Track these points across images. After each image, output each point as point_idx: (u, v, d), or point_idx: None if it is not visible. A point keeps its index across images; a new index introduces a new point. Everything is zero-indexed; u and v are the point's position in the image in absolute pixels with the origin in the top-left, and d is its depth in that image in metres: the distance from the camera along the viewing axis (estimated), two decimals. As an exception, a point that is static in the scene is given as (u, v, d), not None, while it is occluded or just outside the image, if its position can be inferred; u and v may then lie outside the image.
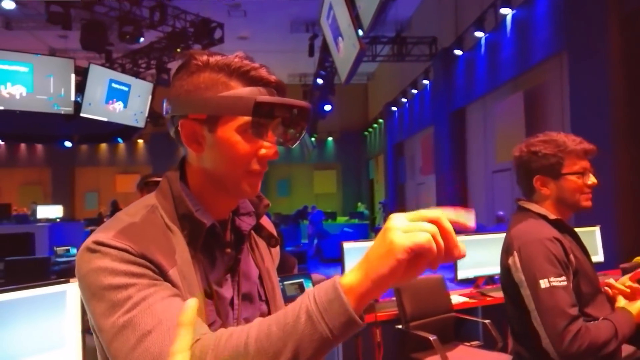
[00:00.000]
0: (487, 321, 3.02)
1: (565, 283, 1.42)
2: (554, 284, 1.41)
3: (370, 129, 19.30)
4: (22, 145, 18.28)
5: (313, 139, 16.62)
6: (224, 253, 0.84)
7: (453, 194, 10.33)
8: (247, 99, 0.76)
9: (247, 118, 0.77)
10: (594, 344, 1.35)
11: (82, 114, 9.08)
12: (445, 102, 10.75)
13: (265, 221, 0.97)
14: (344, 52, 6.90)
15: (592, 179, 1.56)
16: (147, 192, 1.52)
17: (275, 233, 0.98)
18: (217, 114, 0.78)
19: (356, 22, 6.16)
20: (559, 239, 1.49)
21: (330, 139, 19.60)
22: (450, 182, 10.52)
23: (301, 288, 3.02)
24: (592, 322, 1.41)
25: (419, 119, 13.25)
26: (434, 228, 0.57)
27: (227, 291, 0.84)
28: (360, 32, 6.22)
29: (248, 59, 0.81)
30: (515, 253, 1.51)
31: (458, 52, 9.96)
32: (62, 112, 8.94)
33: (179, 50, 10.22)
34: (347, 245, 3.12)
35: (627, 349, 2.44)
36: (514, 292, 1.52)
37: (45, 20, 9.29)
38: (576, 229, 1.62)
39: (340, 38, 6.87)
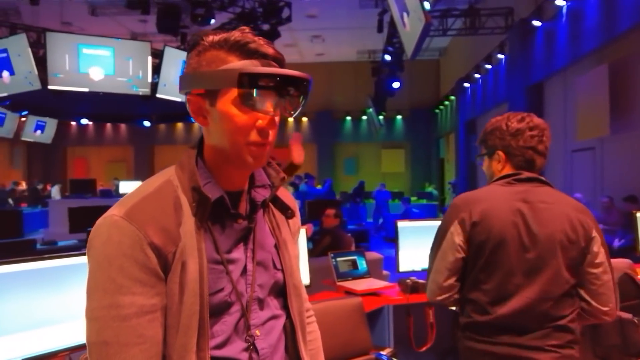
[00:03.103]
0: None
1: None
2: None
3: (441, 106, 18.65)
4: (108, 125, 19.72)
5: (381, 117, 16.35)
6: (235, 222, 0.89)
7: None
8: (233, 71, 0.79)
9: (241, 90, 0.80)
10: None
11: (157, 95, 9.54)
12: (522, 76, 10.13)
13: (283, 193, 1.01)
14: (410, 26, 6.68)
15: None
16: None
17: (293, 205, 1.02)
18: (210, 88, 0.83)
19: (422, -6, 5.91)
20: None
21: (399, 117, 19.20)
22: (525, 161, 9.97)
23: (354, 265, 3.04)
24: None
25: (492, 94, 12.62)
26: None
27: (240, 258, 0.88)
28: (427, 5, 5.98)
29: (250, 33, 0.85)
30: (595, 232, 1.54)
31: (537, 23, 9.30)
32: (140, 94, 9.44)
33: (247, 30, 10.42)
34: (402, 225, 3.07)
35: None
36: (575, 259, 1.52)
37: (125, 6, 9.84)
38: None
39: (405, 13, 6.66)
